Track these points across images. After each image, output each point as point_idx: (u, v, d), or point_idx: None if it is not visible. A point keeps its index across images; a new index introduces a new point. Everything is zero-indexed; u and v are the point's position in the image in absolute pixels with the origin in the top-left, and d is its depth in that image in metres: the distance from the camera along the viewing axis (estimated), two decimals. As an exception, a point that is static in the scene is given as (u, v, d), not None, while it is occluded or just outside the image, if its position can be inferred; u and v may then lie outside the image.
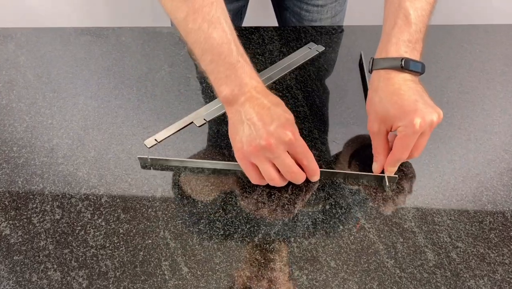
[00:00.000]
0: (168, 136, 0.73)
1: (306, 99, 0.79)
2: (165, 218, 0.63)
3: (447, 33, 0.91)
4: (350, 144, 0.72)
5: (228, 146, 0.71)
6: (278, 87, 0.81)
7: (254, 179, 0.63)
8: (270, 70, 0.83)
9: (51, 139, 0.73)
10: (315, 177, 0.65)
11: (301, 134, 0.71)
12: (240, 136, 0.61)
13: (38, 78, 0.82)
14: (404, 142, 0.61)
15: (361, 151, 0.71)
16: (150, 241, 0.61)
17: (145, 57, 0.86)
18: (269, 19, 1.22)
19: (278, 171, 0.61)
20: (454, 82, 0.82)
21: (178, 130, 0.74)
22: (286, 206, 0.64)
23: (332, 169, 0.69)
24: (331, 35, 0.91)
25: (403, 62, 0.62)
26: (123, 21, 1.62)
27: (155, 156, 0.70)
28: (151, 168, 0.69)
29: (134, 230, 0.62)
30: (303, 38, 0.90)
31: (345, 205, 0.64)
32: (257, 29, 0.93)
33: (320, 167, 0.68)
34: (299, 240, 0.61)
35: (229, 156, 0.70)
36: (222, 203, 0.65)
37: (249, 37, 0.90)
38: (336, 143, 0.72)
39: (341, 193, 0.66)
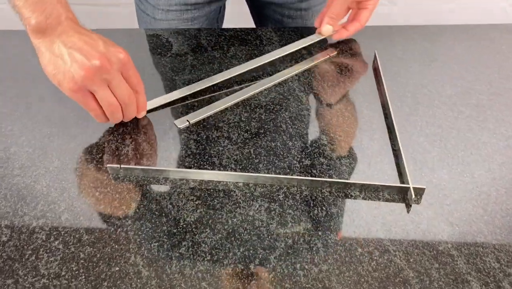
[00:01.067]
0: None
1: (310, 102, 0.68)
2: (138, 240, 0.50)
3: (464, 32, 0.81)
4: (364, 151, 0.60)
5: (219, 154, 0.59)
6: (279, 89, 0.69)
7: (95, 112, 0.58)
8: (264, 58, 0.72)
9: (8, 148, 0.61)
10: (143, 113, 0.63)
11: (308, 141, 0.59)
12: (67, 67, 0.54)
13: (1, 82, 0.71)
14: (370, 13, 0.73)
15: (378, 159, 0.59)
16: (117, 269, 0.48)
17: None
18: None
19: None
20: (482, 84, 0.70)
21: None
22: (290, 223, 0.52)
23: (346, 179, 0.56)
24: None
25: None
26: (105, 23, 1.51)
27: (129, 164, 0.58)
28: (124, 179, 0.57)
29: (99, 255, 0.49)
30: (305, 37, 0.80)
31: (363, 222, 0.52)
32: (254, 30, 0.82)
33: (331, 177, 0.56)
34: (306, 266, 0.48)
35: (220, 164, 0.58)
36: (210, 221, 0.52)
37: (245, 38, 0.80)
38: (348, 150, 0.60)
39: (358, 208, 0.53)
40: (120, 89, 0.57)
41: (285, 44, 0.77)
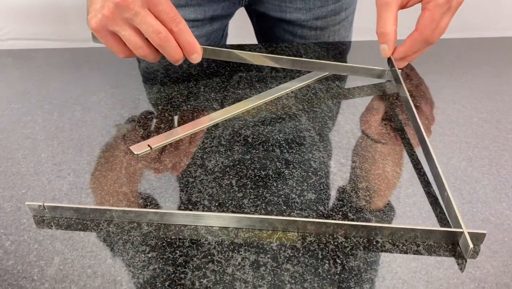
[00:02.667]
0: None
1: (312, 121, 0.52)
2: (54, 314, 0.33)
3: (495, 45, 0.67)
4: (389, 181, 0.43)
5: (187, 186, 0.43)
6: (270, 108, 0.54)
7: (121, 53, 0.52)
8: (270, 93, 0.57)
9: None
10: (196, 56, 0.52)
11: (311, 166, 0.43)
12: (95, 5, 0.49)
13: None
14: (433, 16, 0.53)
15: (409, 191, 0.42)
16: None
17: (80, 78, 0.60)
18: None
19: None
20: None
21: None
22: (289, 285, 0.34)
23: (367, 220, 0.39)
24: (341, 51, 0.67)
25: None
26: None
27: (61, 202, 0.41)
28: (51, 223, 0.40)
29: None
30: (303, 54, 0.65)
31: (399, 282, 0.34)
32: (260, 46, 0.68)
33: (346, 217, 0.39)
34: None
35: (188, 201, 0.41)
36: (167, 283, 0.35)
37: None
38: (366, 180, 0.44)
39: (388, 260, 0.36)
40: (146, 25, 0.48)
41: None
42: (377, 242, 0.38)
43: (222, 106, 0.54)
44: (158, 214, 0.39)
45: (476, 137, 0.49)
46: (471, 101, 0.55)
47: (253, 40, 0.91)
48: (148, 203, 0.41)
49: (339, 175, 0.44)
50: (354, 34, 0.87)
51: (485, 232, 0.36)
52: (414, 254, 0.37)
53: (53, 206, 0.39)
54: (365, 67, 0.58)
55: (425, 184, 0.43)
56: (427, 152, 0.44)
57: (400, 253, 0.37)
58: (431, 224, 0.39)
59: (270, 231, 0.39)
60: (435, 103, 0.54)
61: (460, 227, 0.37)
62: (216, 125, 0.51)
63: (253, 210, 0.41)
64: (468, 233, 0.36)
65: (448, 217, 0.39)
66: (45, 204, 0.39)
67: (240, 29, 0.95)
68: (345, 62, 0.64)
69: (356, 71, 0.58)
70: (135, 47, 0.50)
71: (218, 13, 0.75)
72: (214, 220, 0.39)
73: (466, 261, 0.36)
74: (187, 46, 0.51)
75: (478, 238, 0.37)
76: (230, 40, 0.89)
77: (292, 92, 0.57)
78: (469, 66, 0.62)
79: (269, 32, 0.84)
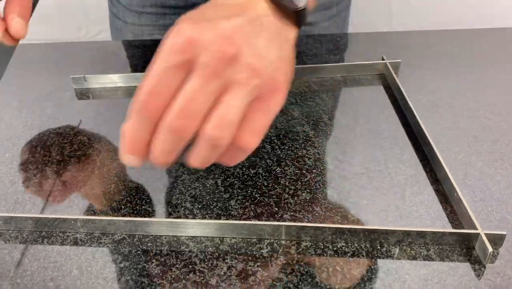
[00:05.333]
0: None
1: (306, 115, 0.47)
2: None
3: (499, 36, 0.63)
4: (393, 178, 0.39)
5: (168, 188, 0.38)
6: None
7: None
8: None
9: None
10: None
11: (305, 163, 0.39)
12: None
13: None
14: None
15: (415, 189, 0.38)
16: None
17: (55, 74, 0.56)
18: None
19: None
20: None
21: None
22: (281, 298, 0.30)
23: (370, 222, 0.35)
24: (336, 43, 0.63)
25: None
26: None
27: (24, 206, 0.36)
28: (6, 235, 0.35)
29: None
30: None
31: (408, 291, 0.30)
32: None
33: (345, 219, 0.35)
34: None
35: (167, 203, 0.37)
36: (142, 297, 0.30)
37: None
38: (367, 176, 0.39)
39: (395, 266, 0.32)
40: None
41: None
42: (381, 246, 0.33)
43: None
44: (132, 223, 0.34)
45: (484, 130, 0.45)
46: (476, 93, 0.51)
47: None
48: (123, 206, 0.37)
49: (336, 172, 0.40)
50: (349, 30, 0.83)
51: (504, 232, 0.32)
52: (424, 259, 0.32)
53: (8, 216, 0.34)
54: (361, 63, 0.54)
55: (433, 181, 0.39)
56: (429, 149, 0.40)
57: (408, 258, 0.32)
58: (441, 225, 0.35)
59: (259, 237, 0.34)
60: (436, 96, 0.50)
61: (475, 228, 0.32)
62: (200, 121, 0.46)
63: (241, 212, 0.36)
64: (485, 234, 0.32)
65: (460, 218, 0.35)
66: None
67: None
68: (340, 55, 0.59)
69: (352, 71, 0.54)
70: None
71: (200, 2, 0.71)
72: (196, 228, 0.34)
73: (484, 267, 0.31)
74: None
75: (496, 240, 0.32)
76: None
77: (283, 85, 0.52)
78: (472, 57, 0.58)
79: None
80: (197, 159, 0.28)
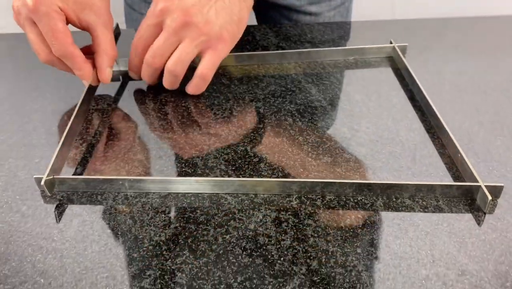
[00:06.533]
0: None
1: (323, 92, 0.52)
2: (78, 270, 0.32)
3: (500, 24, 0.68)
4: (404, 144, 0.44)
5: (203, 154, 0.43)
6: (280, 82, 0.54)
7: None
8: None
9: None
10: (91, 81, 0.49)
11: (325, 133, 0.43)
12: None
13: None
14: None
15: (424, 152, 0.42)
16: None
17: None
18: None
19: None
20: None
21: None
22: (312, 239, 0.34)
23: (385, 178, 0.40)
24: (346, 29, 0.67)
25: None
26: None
27: (67, 173, 0.41)
28: (62, 196, 0.39)
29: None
30: (308, 33, 0.65)
31: (422, 233, 0.35)
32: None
33: (363, 177, 0.39)
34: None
35: (205, 166, 0.41)
36: (190, 240, 0.34)
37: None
38: (381, 143, 0.44)
39: (409, 215, 0.36)
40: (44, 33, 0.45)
41: (285, 39, 0.63)
42: (396, 198, 0.38)
43: (229, 80, 0.54)
44: (175, 181, 0.38)
45: (486, 104, 0.49)
46: (478, 72, 0.55)
47: (252, 22, 0.91)
48: (164, 168, 0.41)
49: (353, 140, 0.44)
50: (353, 20, 0.88)
51: (502, 184, 0.37)
52: (434, 209, 0.37)
53: (63, 178, 0.39)
54: (371, 47, 0.58)
55: (440, 146, 0.43)
56: (435, 117, 0.45)
57: (420, 208, 0.37)
58: (448, 181, 0.39)
59: (288, 192, 0.38)
60: (441, 75, 0.55)
61: (476, 181, 0.37)
62: (226, 98, 0.51)
63: (270, 173, 0.41)
64: (486, 186, 0.36)
65: (463, 175, 0.40)
66: (55, 176, 0.39)
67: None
68: (350, 41, 0.64)
69: (362, 53, 0.58)
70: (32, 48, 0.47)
71: None
72: (234, 185, 0.38)
73: (485, 214, 0.36)
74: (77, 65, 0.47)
75: (495, 191, 0.37)
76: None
77: (300, 67, 0.57)
78: (475, 43, 0.63)
79: (266, 16, 0.84)
80: (166, 83, 0.49)
